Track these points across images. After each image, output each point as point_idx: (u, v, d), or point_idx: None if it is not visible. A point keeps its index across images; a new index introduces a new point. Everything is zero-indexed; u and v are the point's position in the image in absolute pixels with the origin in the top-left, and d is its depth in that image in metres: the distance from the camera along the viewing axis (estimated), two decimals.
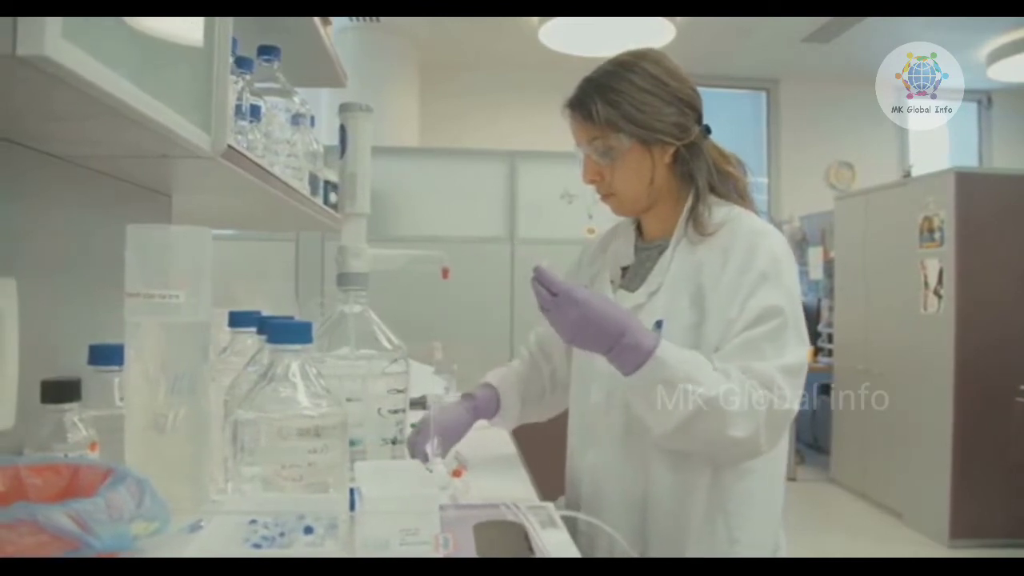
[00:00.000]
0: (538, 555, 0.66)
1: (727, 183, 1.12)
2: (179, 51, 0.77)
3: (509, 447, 1.47)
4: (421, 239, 3.63)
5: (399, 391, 1.13)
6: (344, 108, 1.13)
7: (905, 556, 3.27)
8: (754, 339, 0.97)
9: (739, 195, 1.12)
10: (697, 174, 1.10)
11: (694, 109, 1.10)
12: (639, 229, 1.20)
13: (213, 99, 0.82)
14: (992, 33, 4.75)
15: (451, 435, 1.23)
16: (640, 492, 1.05)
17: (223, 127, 0.84)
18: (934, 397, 3.58)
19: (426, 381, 1.81)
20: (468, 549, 0.66)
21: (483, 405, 1.30)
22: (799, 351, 0.99)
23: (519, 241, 3.80)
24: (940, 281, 3.56)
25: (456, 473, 1.13)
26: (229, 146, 0.86)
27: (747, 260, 1.01)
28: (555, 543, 0.68)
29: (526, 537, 0.70)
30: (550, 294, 0.96)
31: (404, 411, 1.14)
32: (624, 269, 1.18)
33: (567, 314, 0.95)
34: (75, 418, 0.75)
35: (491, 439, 1.53)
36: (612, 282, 1.18)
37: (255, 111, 1.22)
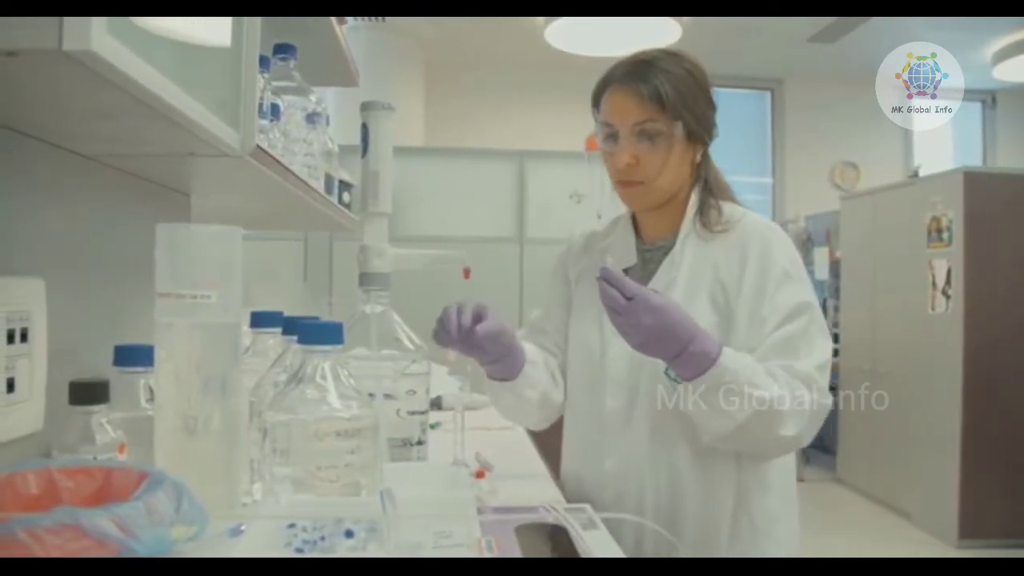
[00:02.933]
0: (584, 556, 0.65)
1: (721, 187, 1.15)
2: (209, 49, 0.76)
3: (529, 450, 1.46)
4: (429, 239, 3.62)
5: (417, 392, 1.12)
6: (366, 107, 1.12)
7: (913, 556, 3.26)
8: (788, 338, 1.00)
9: (728, 193, 1.15)
10: (708, 174, 1.13)
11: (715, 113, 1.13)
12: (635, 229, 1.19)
13: (242, 98, 0.82)
14: (997, 33, 4.74)
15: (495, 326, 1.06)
16: (667, 496, 1.06)
17: (251, 126, 0.83)
18: (942, 397, 3.57)
19: (441, 381, 1.80)
20: (512, 552, 0.65)
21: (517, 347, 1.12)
22: (826, 345, 1.03)
23: (527, 241, 3.79)
24: (948, 281, 3.56)
25: (479, 474, 1.12)
26: (257, 145, 0.85)
27: (766, 257, 1.04)
28: (599, 544, 0.67)
29: (569, 539, 0.69)
30: (623, 297, 0.92)
31: (424, 412, 1.13)
32: (626, 271, 1.12)
33: (641, 320, 0.92)
34: (103, 420, 0.75)
35: (509, 441, 1.52)
36: None
37: (274, 110, 1.21)
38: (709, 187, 1.12)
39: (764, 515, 1.06)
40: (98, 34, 0.48)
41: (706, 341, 0.95)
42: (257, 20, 0.85)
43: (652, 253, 1.14)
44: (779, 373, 0.97)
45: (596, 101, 1.12)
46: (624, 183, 1.10)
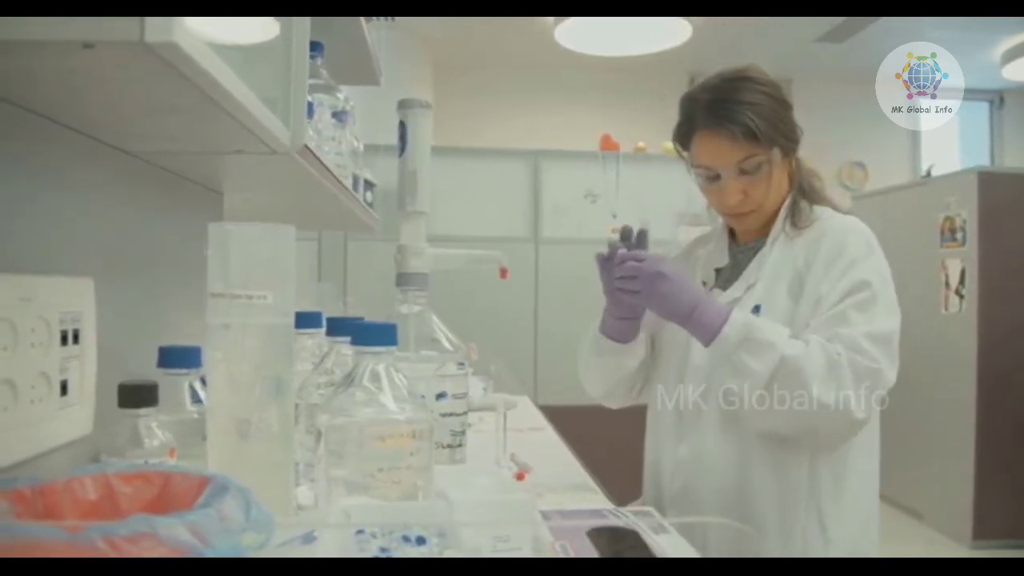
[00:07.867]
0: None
1: (812, 185, 1.19)
2: (261, 46, 0.75)
3: (561, 449, 1.45)
4: (441, 239, 3.57)
5: (452, 395, 1.10)
6: (404, 104, 1.11)
7: (926, 556, 3.25)
8: (842, 310, 1.01)
9: (820, 196, 1.18)
10: (801, 177, 1.17)
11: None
12: (730, 233, 1.24)
13: (292, 95, 0.80)
14: (1006, 33, 4.73)
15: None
16: (734, 490, 1.06)
17: (301, 123, 0.81)
18: (956, 397, 3.56)
19: None
20: (589, 555, 0.63)
21: None
22: (888, 320, 1.03)
23: (543, 241, 3.77)
24: (962, 281, 3.55)
25: (519, 476, 1.11)
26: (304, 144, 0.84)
27: (839, 246, 1.06)
28: (673, 547, 0.66)
29: (642, 542, 0.68)
30: (637, 261, 1.03)
31: (461, 414, 1.12)
32: (718, 271, 1.21)
33: (650, 276, 1.02)
34: (151, 423, 0.73)
35: (540, 442, 1.51)
36: (704, 283, 1.20)
37: (308, 108, 1.19)
38: (802, 190, 1.16)
39: (839, 527, 1.04)
40: (180, 25, 0.47)
41: (716, 304, 1.03)
42: (305, 18, 0.83)
43: (744, 254, 1.19)
44: (812, 339, 0.99)
45: (682, 142, 1.15)
46: (736, 215, 1.15)
